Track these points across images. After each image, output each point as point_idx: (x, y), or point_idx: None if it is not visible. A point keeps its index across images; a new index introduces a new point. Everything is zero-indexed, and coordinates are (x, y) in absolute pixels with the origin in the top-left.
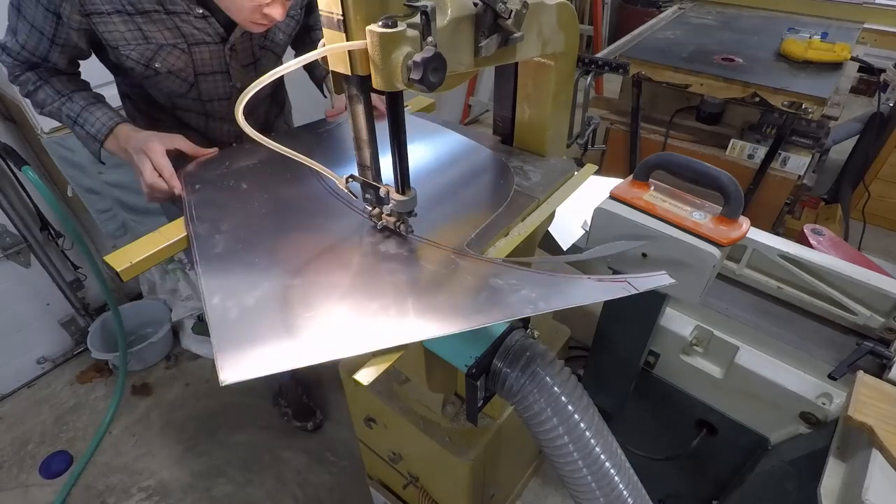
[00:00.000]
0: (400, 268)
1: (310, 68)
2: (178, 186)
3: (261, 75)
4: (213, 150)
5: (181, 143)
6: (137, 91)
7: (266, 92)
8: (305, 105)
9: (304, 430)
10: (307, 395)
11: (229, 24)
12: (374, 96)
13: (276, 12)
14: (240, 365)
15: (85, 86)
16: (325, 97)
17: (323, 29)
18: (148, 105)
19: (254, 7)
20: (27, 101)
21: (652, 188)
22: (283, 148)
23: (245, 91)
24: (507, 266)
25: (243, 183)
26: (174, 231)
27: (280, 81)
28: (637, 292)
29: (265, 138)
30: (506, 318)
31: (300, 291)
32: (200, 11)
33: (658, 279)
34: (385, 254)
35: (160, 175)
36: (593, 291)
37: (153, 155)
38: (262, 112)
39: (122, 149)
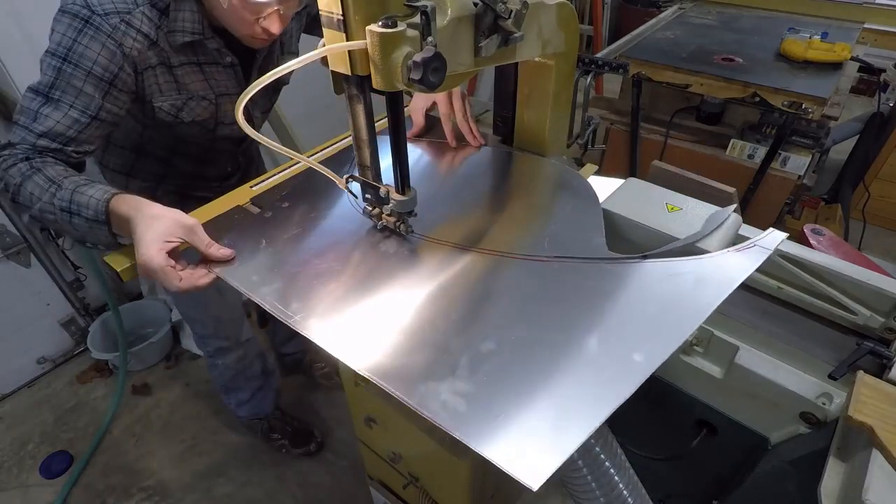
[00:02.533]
0: (576, 292)
1: None
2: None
3: (273, 90)
4: (230, 253)
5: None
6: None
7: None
8: (303, 112)
9: (308, 454)
10: (297, 419)
11: (250, 73)
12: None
13: (274, 26)
14: (537, 460)
15: (79, 171)
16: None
17: (323, 29)
18: (142, 136)
19: (253, 21)
20: (13, 202)
21: None
22: (284, 149)
23: (245, 91)
24: (667, 260)
25: (318, 261)
26: None
27: None
28: (769, 252)
29: (265, 138)
30: (708, 315)
31: (511, 348)
32: (229, 60)
33: (778, 235)
34: (540, 282)
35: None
36: (745, 261)
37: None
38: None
39: (131, 215)
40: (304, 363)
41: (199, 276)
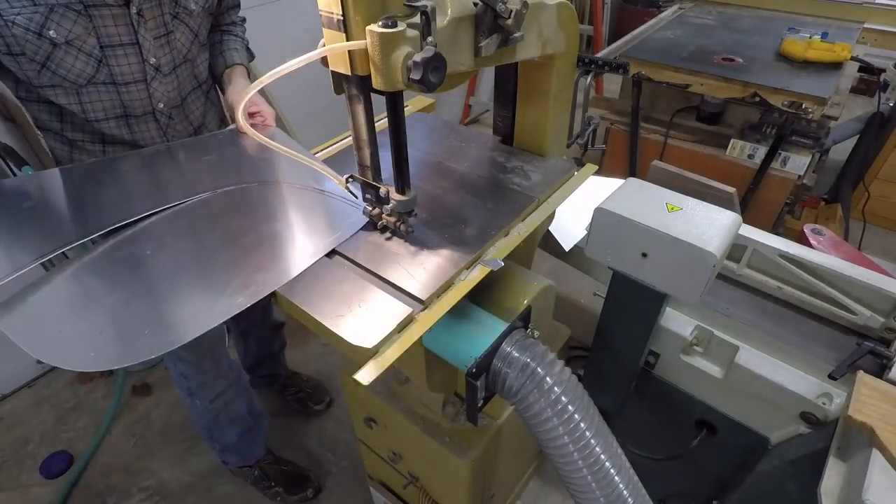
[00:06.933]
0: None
1: (213, 65)
2: None
3: (175, 51)
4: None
5: None
6: (47, 109)
7: (201, 90)
8: (303, 112)
9: (305, 500)
10: (290, 462)
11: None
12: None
13: None
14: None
15: None
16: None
17: (323, 29)
18: (62, 122)
19: None
20: None
21: None
22: (283, 148)
23: (245, 91)
24: None
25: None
26: None
27: (213, 79)
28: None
29: (266, 139)
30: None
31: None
32: None
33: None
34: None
35: None
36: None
37: None
38: (199, 114)
39: None
40: (277, 385)
41: None
